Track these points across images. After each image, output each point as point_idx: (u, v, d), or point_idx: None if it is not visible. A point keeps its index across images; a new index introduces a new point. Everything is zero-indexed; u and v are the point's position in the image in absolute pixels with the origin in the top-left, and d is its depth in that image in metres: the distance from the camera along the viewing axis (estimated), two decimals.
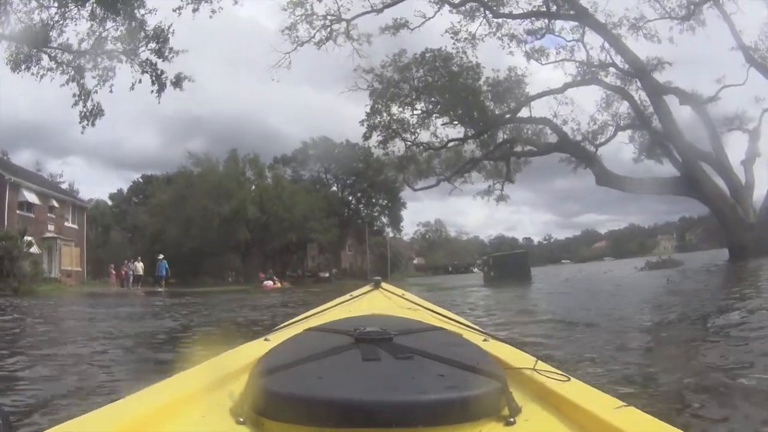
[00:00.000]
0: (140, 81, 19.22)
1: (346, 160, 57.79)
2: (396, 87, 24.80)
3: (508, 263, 23.41)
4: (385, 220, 63.05)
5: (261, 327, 7.16)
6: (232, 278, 50.12)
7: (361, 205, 62.65)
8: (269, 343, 1.60)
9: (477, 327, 2.04)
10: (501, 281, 20.54)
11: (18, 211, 31.90)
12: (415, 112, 25.22)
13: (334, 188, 60.99)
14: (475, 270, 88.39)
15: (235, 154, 47.22)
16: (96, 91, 19.09)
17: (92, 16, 18.50)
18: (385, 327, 1.47)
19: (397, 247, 68.57)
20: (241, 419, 1.10)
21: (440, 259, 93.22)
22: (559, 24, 24.18)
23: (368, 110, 25.29)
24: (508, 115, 24.49)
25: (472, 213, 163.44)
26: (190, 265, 44.06)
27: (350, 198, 62.07)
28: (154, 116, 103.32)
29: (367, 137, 25.90)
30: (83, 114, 19.50)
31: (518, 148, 26.43)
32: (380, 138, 25.85)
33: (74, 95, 19.08)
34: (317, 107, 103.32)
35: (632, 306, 8.50)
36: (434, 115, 25.17)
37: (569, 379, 1.26)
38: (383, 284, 2.76)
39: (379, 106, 25.06)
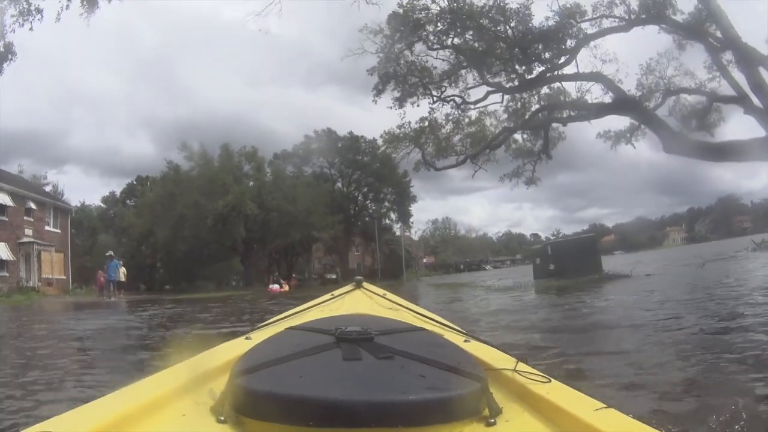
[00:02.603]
0: (67, 7, 15.10)
1: (350, 152, 54.34)
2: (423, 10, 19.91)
3: (573, 252, 18.89)
4: (393, 216, 59.44)
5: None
6: (235, 282, 47.35)
7: (369, 201, 59.12)
8: (250, 341, 1.60)
9: (458, 327, 2.01)
10: (565, 276, 16.52)
11: None
12: (444, 53, 20.42)
13: (339, 184, 57.41)
14: (488, 267, 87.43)
15: (228, 148, 43.66)
16: (14, 30, 15.17)
17: None
18: (366, 327, 1.46)
19: (408, 245, 65.18)
20: (222, 418, 1.09)
21: (450, 257, 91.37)
22: None
23: (380, 45, 19.80)
24: (564, 58, 19.94)
25: (475, 211, 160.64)
26: (185, 269, 40.85)
27: (356, 194, 58.40)
28: (148, 123, 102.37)
29: (379, 90, 20.53)
30: None
31: (560, 114, 22.17)
32: (397, 94, 20.61)
33: None
34: (310, 107, 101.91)
35: None
36: (463, 69, 20.66)
37: (550, 381, 1.26)
38: (365, 284, 2.68)
39: (397, 40, 19.91)
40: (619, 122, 22.75)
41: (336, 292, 2.64)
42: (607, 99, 20.70)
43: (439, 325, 1.99)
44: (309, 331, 1.56)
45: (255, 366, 1.18)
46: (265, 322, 2.05)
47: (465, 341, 1.69)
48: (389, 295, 2.54)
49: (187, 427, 1.08)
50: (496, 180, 23.57)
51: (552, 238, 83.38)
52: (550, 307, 10.05)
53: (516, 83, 20.46)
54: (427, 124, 21.65)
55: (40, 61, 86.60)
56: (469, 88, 21.19)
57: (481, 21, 19.16)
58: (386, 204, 58.91)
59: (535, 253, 21.75)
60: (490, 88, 20.91)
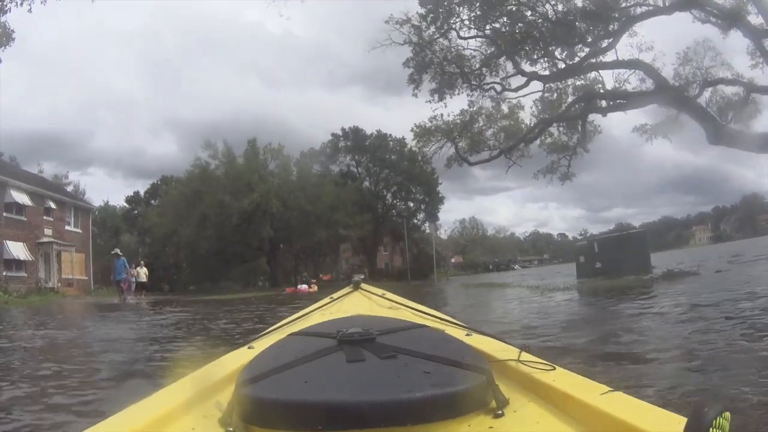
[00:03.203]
0: None
1: (378, 151, 53.40)
2: None
3: (622, 249, 17.01)
4: (421, 215, 57.92)
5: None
6: (261, 283, 46.72)
7: (397, 200, 57.52)
8: (253, 350, 1.58)
9: (459, 322, 1.99)
10: (613, 275, 14.94)
11: (5, 214, 27.48)
12: (476, 42, 19.07)
13: (367, 183, 55.84)
14: (516, 267, 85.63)
15: (255, 144, 42.65)
16: (9, 11, 14.22)
17: None
18: (368, 327, 1.45)
19: (436, 245, 63.89)
20: (231, 429, 1.08)
21: (478, 256, 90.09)
22: None
23: (407, 34, 18.55)
24: (606, 42, 18.37)
25: (501, 211, 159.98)
26: (209, 269, 39.99)
27: (384, 192, 56.76)
28: (172, 124, 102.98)
29: (414, 80, 19.48)
30: None
31: (599, 104, 20.71)
32: (434, 84, 19.28)
33: None
34: (332, 107, 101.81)
35: None
36: (501, 57, 19.27)
37: (554, 368, 1.26)
38: (363, 285, 2.70)
39: (428, 14, 18.63)
40: (650, 117, 21.51)
41: (335, 295, 2.65)
42: (645, 89, 19.37)
43: (439, 320, 1.96)
44: (311, 335, 1.54)
45: (260, 375, 1.17)
46: (267, 330, 1.99)
47: (467, 335, 1.66)
48: (388, 295, 2.53)
49: None
50: (522, 179, 22.52)
51: (579, 237, 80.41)
52: (660, 318, 6.99)
53: (554, 70, 19.13)
54: (468, 117, 20.39)
55: (65, 65, 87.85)
56: (509, 77, 19.94)
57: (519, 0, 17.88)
58: (414, 204, 57.50)
59: (579, 250, 19.82)
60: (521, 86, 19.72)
